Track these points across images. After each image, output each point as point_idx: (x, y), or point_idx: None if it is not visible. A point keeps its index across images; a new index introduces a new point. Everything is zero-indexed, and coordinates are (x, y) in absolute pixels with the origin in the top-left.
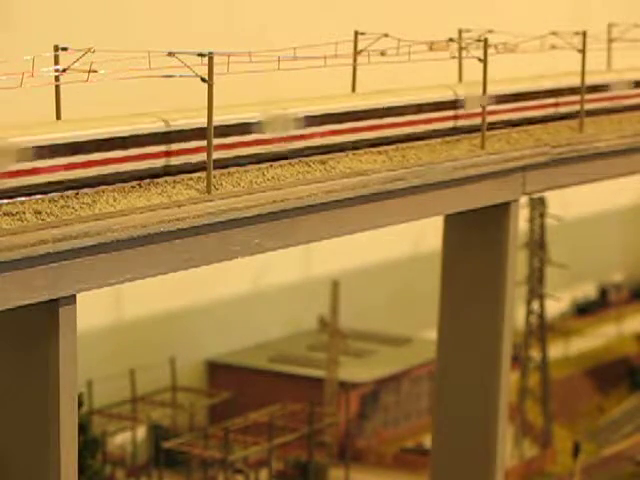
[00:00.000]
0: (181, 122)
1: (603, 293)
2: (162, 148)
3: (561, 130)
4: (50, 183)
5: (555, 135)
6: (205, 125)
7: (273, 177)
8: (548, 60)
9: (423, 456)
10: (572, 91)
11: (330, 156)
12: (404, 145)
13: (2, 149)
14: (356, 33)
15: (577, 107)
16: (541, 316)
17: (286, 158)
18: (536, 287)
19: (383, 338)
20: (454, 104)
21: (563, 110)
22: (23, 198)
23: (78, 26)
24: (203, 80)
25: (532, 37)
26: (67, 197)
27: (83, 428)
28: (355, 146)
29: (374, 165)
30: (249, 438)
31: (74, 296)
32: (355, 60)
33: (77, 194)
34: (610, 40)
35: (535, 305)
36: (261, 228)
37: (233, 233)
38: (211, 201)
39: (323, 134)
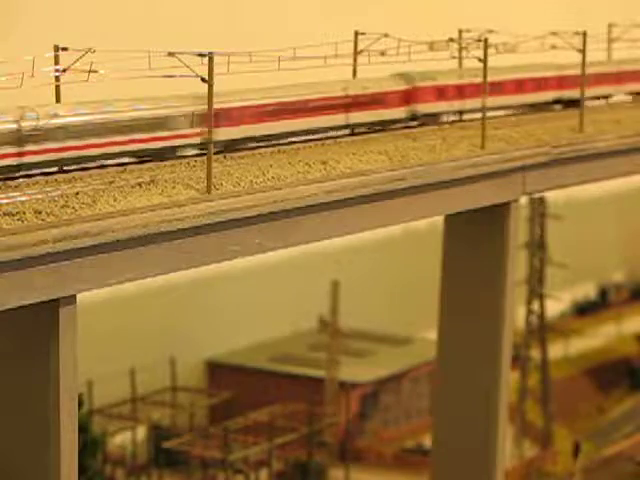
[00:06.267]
0: None
1: (603, 293)
2: None
3: (561, 130)
4: None
5: (555, 135)
6: None
7: (273, 177)
8: (548, 60)
9: (423, 456)
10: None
11: (330, 156)
12: (404, 145)
13: None
14: (356, 33)
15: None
16: (541, 316)
17: None
18: (536, 287)
19: (383, 338)
20: None
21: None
22: (24, 198)
23: (78, 26)
24: (203, 80)
25: (532, 37)
26: (67, 197)
27: (83, 428)
28: None
29: (374, 165)
30: (249, 438)
31: (74, 296)
32: (355, 60)
33: (77, 194)
34: (610, 40)
35: (535, 305)
36: (261, 228)
37: (233, 233)
38: (211, 201)
39: None
